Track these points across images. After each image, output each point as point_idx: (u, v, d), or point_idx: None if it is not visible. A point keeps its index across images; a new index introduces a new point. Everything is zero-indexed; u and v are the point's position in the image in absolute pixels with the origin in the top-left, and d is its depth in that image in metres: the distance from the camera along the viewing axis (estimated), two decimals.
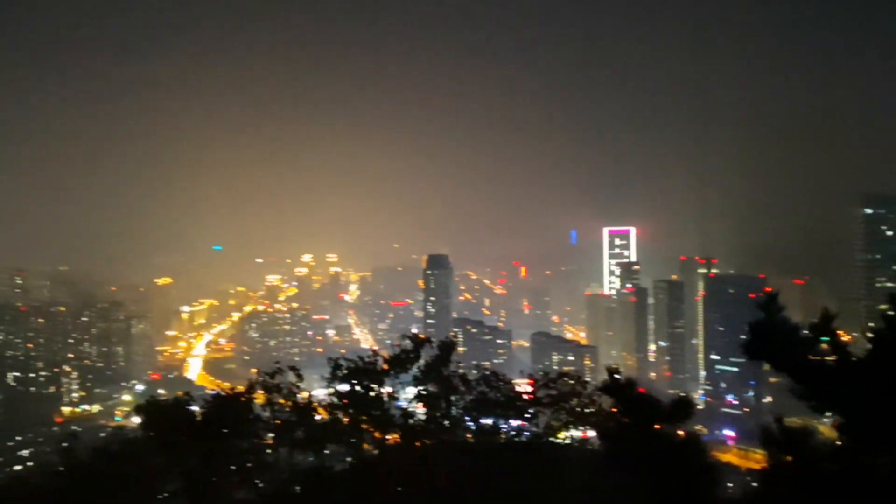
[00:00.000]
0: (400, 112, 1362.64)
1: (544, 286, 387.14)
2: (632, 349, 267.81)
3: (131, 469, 19.53)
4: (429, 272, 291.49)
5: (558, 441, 24.58)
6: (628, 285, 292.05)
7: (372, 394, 23.31)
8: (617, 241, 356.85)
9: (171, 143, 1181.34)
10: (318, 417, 23.02)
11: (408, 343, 24.32)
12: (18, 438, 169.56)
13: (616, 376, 14.09)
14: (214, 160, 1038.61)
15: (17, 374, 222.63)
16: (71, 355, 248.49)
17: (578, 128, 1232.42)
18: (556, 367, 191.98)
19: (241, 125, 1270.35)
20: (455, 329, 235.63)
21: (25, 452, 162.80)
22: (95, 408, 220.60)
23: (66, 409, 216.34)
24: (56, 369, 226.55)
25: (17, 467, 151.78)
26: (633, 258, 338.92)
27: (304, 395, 23.27)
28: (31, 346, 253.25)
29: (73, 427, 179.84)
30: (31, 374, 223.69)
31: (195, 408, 21.42)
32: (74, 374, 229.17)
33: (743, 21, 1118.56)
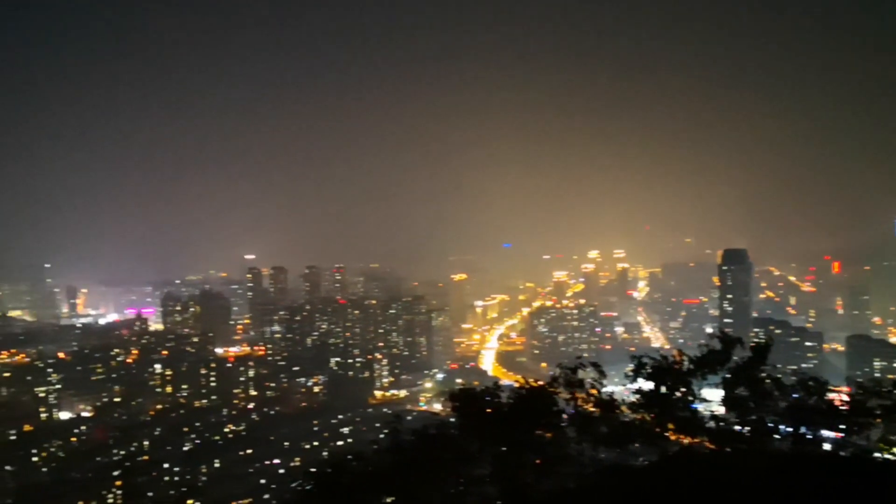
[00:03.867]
0: (686, 101, 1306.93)
1: (862, 283, 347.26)
2: None
3: (446, 452, 20.74)
4: (725, 268, 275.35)
5: (891, 458, 21.81)
6: None
7: (677, 394, 22.49)
8: None
9: (464, 150, 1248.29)
10: (620, 414, 22.70)
11: (716, 343, 23.05)
12: (340, 417, 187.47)
13: None
14: (505, 163, 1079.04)
15: (338, 359, 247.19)
16: (381, 344, 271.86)
17: None
18: (878, 375, 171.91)
19: (530, 127, 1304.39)
20: (756, 329, 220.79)
21: (345, 430, 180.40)
22: (402, 393, 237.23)
23: (377, 393, 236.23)
24: (369, 356, 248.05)
25: (339, 443, 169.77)
26: None
27: (594, 391, 23.05)
28: (348, 335, 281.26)
29: (384, 409, 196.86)
30: (349, 360, 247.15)
31: (500, 398, 22.19)
32: (384, 362, 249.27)
33: None
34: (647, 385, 22.91)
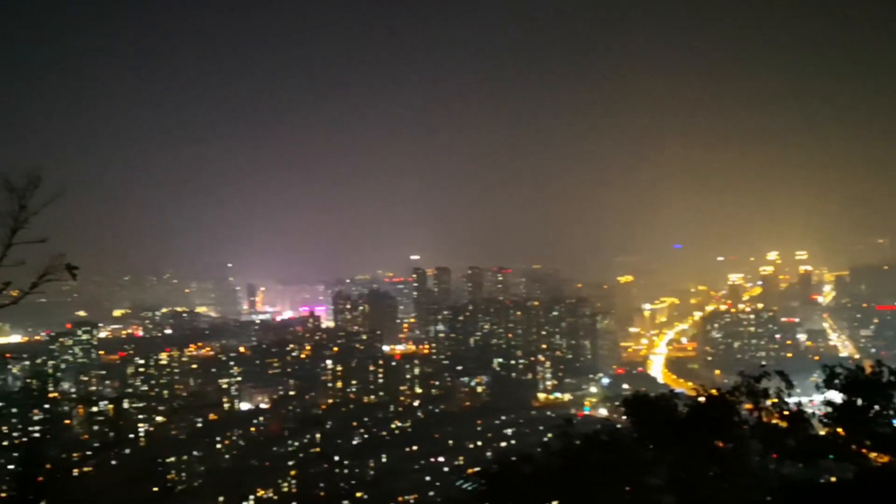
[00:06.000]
0: (873, 89, 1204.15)
1: None
2: None
3: (619, 458, 20.03)
4: None
5: None
6: None
7: (875, 408, 20.48)
8: None
9: (631, 148, 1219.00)
10: (808, 427, 20.98)
11: None
12: (503, 418, 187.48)
13: None
14: (675, 161, 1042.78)
15: (500, 360, 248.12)
16: (544, 346, 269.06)
17: None
18: None
19: (702, 122, 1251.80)
20: None
21: (509, 431, 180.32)
22: (566, 396, 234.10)
23: (541, 396, 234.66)
24: (532, 358, 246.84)
25: (503, 444, 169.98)
26: None
27: (775, 401, 21.42)
28: (510, 336, 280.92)
29: (548, 412, 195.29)
30: (512, 362, 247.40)
31: (676, 405, 21.15)
32: (547, 364, 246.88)
33: None
34: (839, 397, 21.14)
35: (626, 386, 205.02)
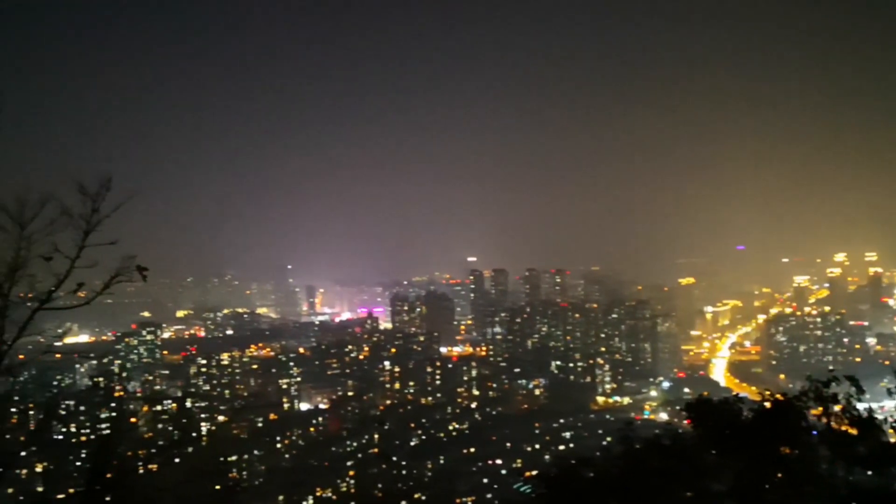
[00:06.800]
0: None
1: None
2: None
3: (681, 464, 19.68)
4: None
5: None
6: None
7: None
8: None
9: (692, 147, 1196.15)
10: (880, 434, 20.25)
11: None
12: (561, 421, 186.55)
13: None
14: (737, 160, 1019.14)
15: (558, 362, 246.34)
16: (603, 349, 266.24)
17: None
18: None
19: (761, 123, 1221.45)
20: None
21: (567, 434, 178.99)
22: (626, 400, 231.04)
23: (599, 399, 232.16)
24: (590, 361, 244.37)
25: (561, 447, 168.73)
26: None
27: (841, 407, 20.73)
28: (569, 338, 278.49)
29: (607, 416, 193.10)
30: (570, 364, 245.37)
31: (741, 410, 20.66)
32: (606, 367, 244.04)
33: None
34: None
35: (687, 390, 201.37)
